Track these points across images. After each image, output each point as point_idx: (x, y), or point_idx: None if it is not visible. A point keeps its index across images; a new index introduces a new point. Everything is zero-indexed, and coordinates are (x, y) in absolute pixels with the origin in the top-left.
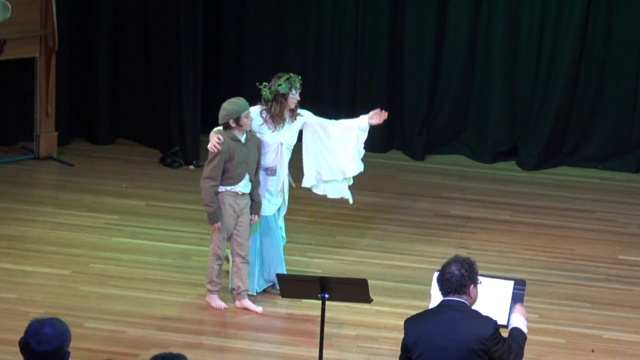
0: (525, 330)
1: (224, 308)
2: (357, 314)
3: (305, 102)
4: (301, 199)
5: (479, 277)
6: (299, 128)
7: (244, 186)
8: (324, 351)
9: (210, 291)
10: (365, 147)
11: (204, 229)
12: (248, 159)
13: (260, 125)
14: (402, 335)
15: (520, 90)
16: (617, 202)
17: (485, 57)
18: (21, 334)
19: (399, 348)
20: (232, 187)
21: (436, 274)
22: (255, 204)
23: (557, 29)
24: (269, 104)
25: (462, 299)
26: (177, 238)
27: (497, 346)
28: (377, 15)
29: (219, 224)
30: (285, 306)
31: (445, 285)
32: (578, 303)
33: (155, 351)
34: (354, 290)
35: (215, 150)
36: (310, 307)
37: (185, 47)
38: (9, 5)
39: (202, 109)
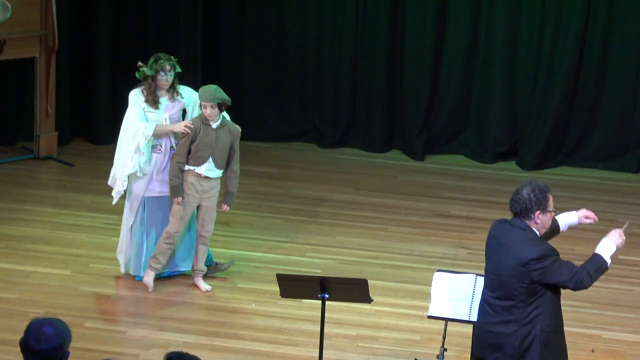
0: (606, 258)
1: (150, 289)
2: (357, 314)
3: (306, 103)
4: (301, 199)
5: (550, 210)
6: (181, 109)
7: (206, 169)
8: (324, 351)
9: (150, 267)
10: (365, 147)
11: None
12: (214, 145)
13: (142, 102)
14: (401, 335)
15: (520, 90)
16: (617, 202)
17: (485, 57)
18: (21, 334)
19: (399, 348)
20: (195, 167)
21: (436, 274)
22: (227, 194)
23: (557, 29)
24: (145, 83)
25: (526, 222)
26: None
27: (538, 269)
28: (377, 15)
29: (180, 198)
30: (285, 306)
31: (513, 206)
32: (578, 303)
33: (156, 351)
34: (354, 290)
35: (187, 131)
36: (310, 307)
37: (185, 47)
38: (9, 5)
39: None
